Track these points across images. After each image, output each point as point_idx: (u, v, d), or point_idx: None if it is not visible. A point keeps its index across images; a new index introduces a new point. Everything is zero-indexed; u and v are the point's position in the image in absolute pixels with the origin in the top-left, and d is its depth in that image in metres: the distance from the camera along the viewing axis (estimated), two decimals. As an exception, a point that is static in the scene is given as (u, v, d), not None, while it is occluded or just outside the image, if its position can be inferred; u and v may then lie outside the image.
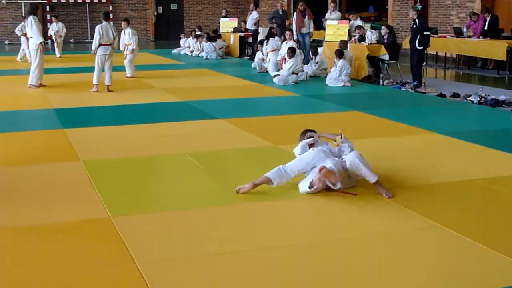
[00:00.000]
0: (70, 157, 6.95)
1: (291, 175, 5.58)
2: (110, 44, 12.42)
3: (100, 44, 12.33)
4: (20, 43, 19.81)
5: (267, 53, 16.07)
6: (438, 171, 6.31)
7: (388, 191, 5.40)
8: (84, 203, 5.32)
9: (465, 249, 4.30)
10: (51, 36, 18.80)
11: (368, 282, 3.79)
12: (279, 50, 15.51)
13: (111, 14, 13.15)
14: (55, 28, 20.79)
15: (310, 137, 6.10)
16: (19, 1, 28.86)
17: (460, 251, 4.26)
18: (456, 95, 11.66)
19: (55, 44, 20.89)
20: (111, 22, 12.54)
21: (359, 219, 4.91)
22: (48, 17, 28.63)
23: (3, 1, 28.74)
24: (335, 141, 5.97)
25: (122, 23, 14.14)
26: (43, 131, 8.53)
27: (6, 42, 29.13)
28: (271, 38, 16.45)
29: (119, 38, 12.88)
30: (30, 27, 12.96)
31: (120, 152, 7.21)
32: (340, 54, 13.51)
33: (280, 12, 19.53)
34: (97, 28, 12.34)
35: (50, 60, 19.59)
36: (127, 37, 14.59)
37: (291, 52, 13.91)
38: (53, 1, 28.98)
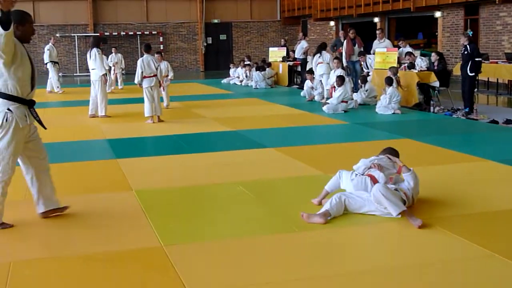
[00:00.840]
0: (123, 186, 7.05)
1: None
2: (154, 76, 12.60)
3: (144, 77, 12.51)
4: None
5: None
6: (493, 199, 6.18)
7: (416, 219, 5.34)
8: (137, 232, 5.38)
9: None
10: (110, 67, 19.28)
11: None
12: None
13: (151, 46, 13.30)
14: (114, 59, 21.11)
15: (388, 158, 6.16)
16: (72, 34, 29.64)
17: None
18: (509, 122, 11.45)
19: (115, 75, 21.01)
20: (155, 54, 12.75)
21: (410, 247, 4.85)
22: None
23: (57, 35, 29.55)
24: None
25: (156, 55, 13.95)
26: (97, 161, 8.68)
27: (60, 74, 29.90)
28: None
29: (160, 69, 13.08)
30: (93, 59, 13.59)
31: (172, 181, 7.28)
32: (389, 81, 13.44)
33: (342, 40, 19.46)
34: (139, 62, 12.49)
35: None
36: (164, 69, 14.68)
37: (340, 80, 13.90)
38: (106, 33, 29.68)
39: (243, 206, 6.08)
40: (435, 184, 6.68)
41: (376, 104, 13.79)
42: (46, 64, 20.01)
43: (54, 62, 20.00)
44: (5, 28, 4.84)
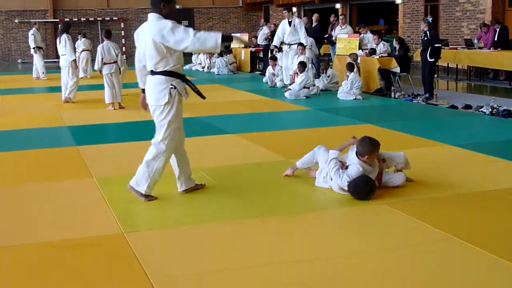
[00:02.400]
0: (83, 174, 6.98)
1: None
2: (114, 62, 12.47)
3: (104, 63, 12.39)
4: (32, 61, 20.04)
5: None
6: (451, 183, 6.28)
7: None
8: (98, 219, 5.34)
9: (478, 260, 4.27)
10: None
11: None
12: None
13: (112, 32, 13.17)
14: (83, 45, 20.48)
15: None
16: (31, 20, 29.16)
17: (473, 262, 4.23)
18: (468, 107, 11.62)
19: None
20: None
21: (371, 232, 4.90)
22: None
23: (16, 21, 29.02)
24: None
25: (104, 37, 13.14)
26: (57, 148, 8.58)
27: (19, 61, 29.39)
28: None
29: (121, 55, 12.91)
30: (63, 45, 13.59)
31: (133, 168, 7.15)
32: (351, 67, 13.52)
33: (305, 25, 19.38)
34: (99, 48, 12.38)
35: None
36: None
37: (302, 66, 13.93)
38: (66, 19, 29.24)
39: (204, 192, 6.06)
40: (395, 168, 6.73)
41: (338, 90, 13.86)
42: (33, 49, 19.60)
43: (38, 48, 19.62)
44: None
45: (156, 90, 5.63)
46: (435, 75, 15.01)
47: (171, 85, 5.59)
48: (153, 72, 5.63)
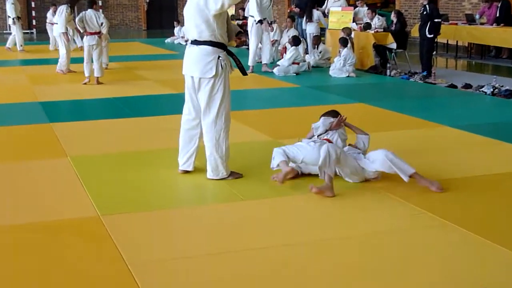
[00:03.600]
0: (57, 153, 6.97)
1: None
2: (96, 33, 12.40)
3: (86, 33, 12.31)
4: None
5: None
6: (448, 166, 6.33)
7: (436, 182, 5.54)
8: (73, 201, 5.35)
9: (477, 247, 4.33)
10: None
11: (369, 283, 3.82)
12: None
13: (97, 1, 13.14)
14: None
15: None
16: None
17: (469, 249, 4.29)
18: (468, 86, 11.67)
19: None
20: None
21: (364, 217, 4.94)
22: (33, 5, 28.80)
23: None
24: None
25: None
26: (28, 125, 8.56)
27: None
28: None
29: (106, 26, 12.82)
30: (59, 14, 13.90)
31: (110, 147, 7.24)
32: (344, 42, 13.50)
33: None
34: (80, 16, 12.31)
35: (40, 50, 19.63)
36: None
37: (294, 40, 13.90)
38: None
39: (186, 174, 6.07)
40: (391, 150, 6.74)
41: (329, 67, 13.87)
42: (12, 19, 19.36)
43: (18, 17, 19.42)
44: None
45: (202, 62, 5.66)
46: (434, 52, 15.04)
47: (218, 56, 5.67)
48: (197, 42, 5.68)
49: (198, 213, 5.07)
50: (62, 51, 13.91)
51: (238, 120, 8.52)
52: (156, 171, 6.18)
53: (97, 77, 12.38)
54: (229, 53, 5.82)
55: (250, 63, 13.73)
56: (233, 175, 5.91)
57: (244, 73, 6.17)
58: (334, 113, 6.42)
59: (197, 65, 5.69)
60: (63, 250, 4.32)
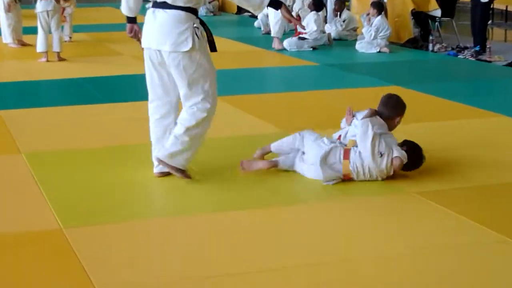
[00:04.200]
0: (7, 148, 6.97)
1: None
2: None
3: None
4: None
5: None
6: (507, 166, 6.31)
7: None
8: (28, 210, 5.34)
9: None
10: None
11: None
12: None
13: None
14: None
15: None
16: None
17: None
18: (532, 65, 11.66)
19: None
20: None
21: (404, 230, 4.92)
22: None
23: None
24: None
25: None
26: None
27: None
28: None
29: None
30: None
31: (74, 141, 7.23)
32: (379, 7, 13.40)
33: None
34: None
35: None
36: None
37: (315, 4, 13.77)
38: None
39: (169, 176, 6.04)
40: (434, 146, 6.72)
41: (356, 40, 13.83)
42: None
43: None
44: None
45: (174, 31, 5.52)
46: (489, 22, 14.96)
47: (194, 24, 5.60)
48: (166, 5, 5.55)
49: (179, 225, 5.06)
50: (3, 20, 13.85)
51: (239, 107, 8.54)
52: (130, 173, 6.13)
53: (57, 53, 12.36)
54: (201, 22, 5.74)
55: (274, 33, 13.79)
56: (185, 174, 5.86)
57: (213, 49, 5.88)
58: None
59: (167, 36, 5.52)
60: (20, 267, 4.32)
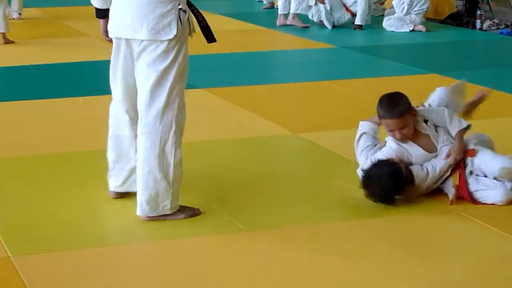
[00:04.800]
0: None
1: None
2: None
3: None
4: None
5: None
6: None
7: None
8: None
9: None
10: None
11: None
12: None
13: None
14: None
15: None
16: None
17: None
18: None
19: None
20: None
21: (463, 257, 4.89)
22: None
23: None
24: None
25: None
26: None
27: None
28: None
29: None
30: None
31: (23, 147, 7.23)
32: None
33: None
34: None
35: None
36: None
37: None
38: None
39: (124, 198, 6.01)
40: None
41: (383, 15, 13.82)
42: None
43: None
44: None
45: (154, 13, 5.33)
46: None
47: (180, 8, 5.41)
48: None
49: (143, 252, 5.13)
50: None
51: (236, 102, 8.57)
52: (88, 188, 6.11)
53: (2, 34, 12.35)
54: (188, 4, 5.57)
55: (292, 9, 13.75)
56: (185, 211, 5.63)
57: (210, 37, 5.77)
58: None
59: (143, 19, 5.34)
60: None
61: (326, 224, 5.46)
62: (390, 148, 5.83)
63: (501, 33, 13.11)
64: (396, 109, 5.76)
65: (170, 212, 5.50)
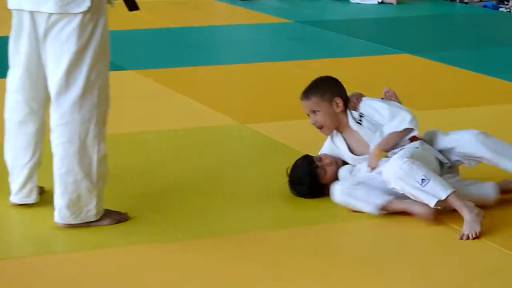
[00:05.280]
0: None
1: None
2: None
3: None
4: None
5: None
6: None
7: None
8: None
9: None
10: None
11: None
12: None
13: None
14: None
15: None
16: None
17: None
18: None
19: None
20: None
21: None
22: None
23: None
24: None
25: None
26: None
27: None
28: None
29: None
30: None
31: None
32: None
33: None
34: None
35: None
36: None
37: None
38: None
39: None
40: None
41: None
42: None
43: None
44: None
45: None
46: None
47: None
48: None
49: (69, 264, 5.05)
50: None
51: (172, 86, 8.57)
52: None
53: None
54: None
55: None
56: (111, 216, 5.58)
57: (131, 4, 5.60)
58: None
59: None
60: None
61: (276, 231, 5.47)
62: (325, 143, 5.98)
63: (485, 6, 13.19)
64: (309, 91, 5.90)
65: (95, 219, 5.43)
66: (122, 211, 5.58)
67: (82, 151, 5.29)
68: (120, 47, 10.28)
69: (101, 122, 5.36)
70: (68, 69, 5.19)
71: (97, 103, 5.31)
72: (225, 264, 4.99)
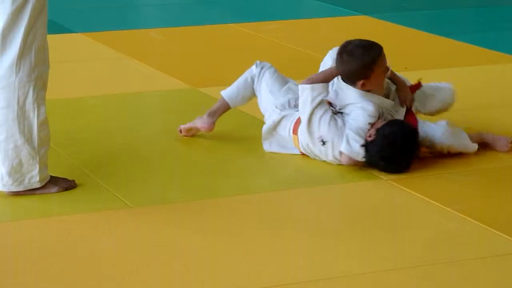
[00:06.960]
0: None
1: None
2: None
3: None
4: None
5: None
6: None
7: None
8: None
9: None
10: None
11: None
12: None
13: None
14: None
15: None
16: None
17: None
18: None
19: None
20: None
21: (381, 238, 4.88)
22: None
23: None
24: None
25: None
26: None
27: None
28: None
29: None
30: None
31: None
32: None
33: None
34: None
35: None
36: None
37: None
38: None
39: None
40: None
41: None
42: None
43: None
44: None
45: None
46: None
47: None
48: None
49: (14, 233, 5.05)
50: None
51: (120, 49, 8.54)
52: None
53: None
54: None
55: None
56: (58, 183, 5.57)
57: None
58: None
59: None
60: None
61: (227, 198, 5.48)
62: (365, 112, 5.68)
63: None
64: (378, 50, 6.02)
65: (39, 186, 5.40)
66: (70, 178, 5.49)
67: (22, 116, 5.25)
68: (66, 8, 10.25)
69: (41, 85, 5.30)
70: (3, 31, 5.15)
71: (35, 66, 5.23)
72: (174, 231, 5.03)
